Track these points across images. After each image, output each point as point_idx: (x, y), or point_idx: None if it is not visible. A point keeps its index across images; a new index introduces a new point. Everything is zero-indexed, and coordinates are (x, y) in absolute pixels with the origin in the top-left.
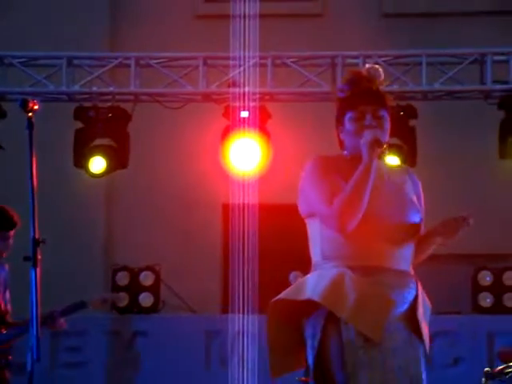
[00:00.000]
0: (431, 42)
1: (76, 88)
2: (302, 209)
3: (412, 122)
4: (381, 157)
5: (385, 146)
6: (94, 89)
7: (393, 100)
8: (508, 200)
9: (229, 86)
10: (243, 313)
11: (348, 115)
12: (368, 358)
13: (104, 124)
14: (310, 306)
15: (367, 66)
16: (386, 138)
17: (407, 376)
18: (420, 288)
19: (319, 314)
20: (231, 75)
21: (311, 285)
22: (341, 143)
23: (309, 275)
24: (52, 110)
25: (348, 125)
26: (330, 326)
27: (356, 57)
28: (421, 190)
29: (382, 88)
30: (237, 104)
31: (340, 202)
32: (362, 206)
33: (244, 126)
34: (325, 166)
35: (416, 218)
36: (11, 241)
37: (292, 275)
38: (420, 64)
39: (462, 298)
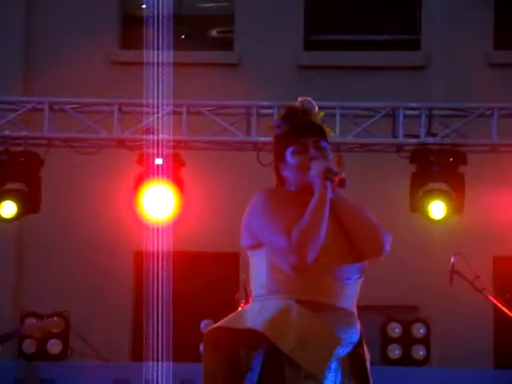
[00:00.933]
0: (344, 94)
1: None
2: (246, 240)
3: None
4: (340, 186)
5: (341, 177)
6: (7, 133)
7: (329, 130)
8: (418, 253)
9: (143, 133)
10: (155, 360)
11: (289, 150)
12: None
13: (16, 168)
14: (249, 336)
15: (300, 99)
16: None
17: None
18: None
19: (260, 345)
20: (145, 122)
21: (253, 314)
22: (282, 181)
23: (250, 304)
24: None
25: (291, 159)
26: (271, 359)
27: (271, 107)
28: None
29: (318, 120)
30: (150, 151)
31: (299, 234)
32: (321, 237)
33: (158, 174)
34: (276, 198)
35: (372, 248)
36: None
37: (203, 324)
38: (334, 116)
39: (372, 348)
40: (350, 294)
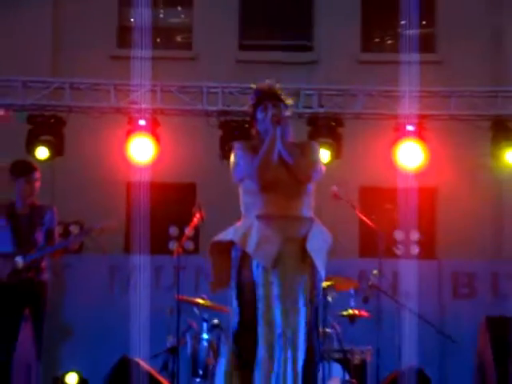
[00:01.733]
0: (264, 80)
1: (29, 101)
2: (233, 177)
3: None
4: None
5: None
6: (42, 102)
7: (290, 99)
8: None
9: (131, 104)
10: (138, 253)
11: (258, 110)
12: (267, 278)
13: (47, 126)
14: (232, 244)
15: (267, 81)
16: (285, 119)
17: (292, 292)
18: (316, 228)
19: (238, 249)
20: (132, 96)
21: (232, 230)
22: (257, 133)
23: (237, 223)
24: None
25: (259, 116)
26: (244, 258)
27: (216, 87)
28: (313, 150)
29: (280, 93)
30: (137, 115)
31: (256, 163)
32: (270, 163)
33: (141, 130)
34: (243, 146)
35: (303, 177)
36: (38, 183)
37: (171, 228)
38: None
39: None
40: (298, 206)
